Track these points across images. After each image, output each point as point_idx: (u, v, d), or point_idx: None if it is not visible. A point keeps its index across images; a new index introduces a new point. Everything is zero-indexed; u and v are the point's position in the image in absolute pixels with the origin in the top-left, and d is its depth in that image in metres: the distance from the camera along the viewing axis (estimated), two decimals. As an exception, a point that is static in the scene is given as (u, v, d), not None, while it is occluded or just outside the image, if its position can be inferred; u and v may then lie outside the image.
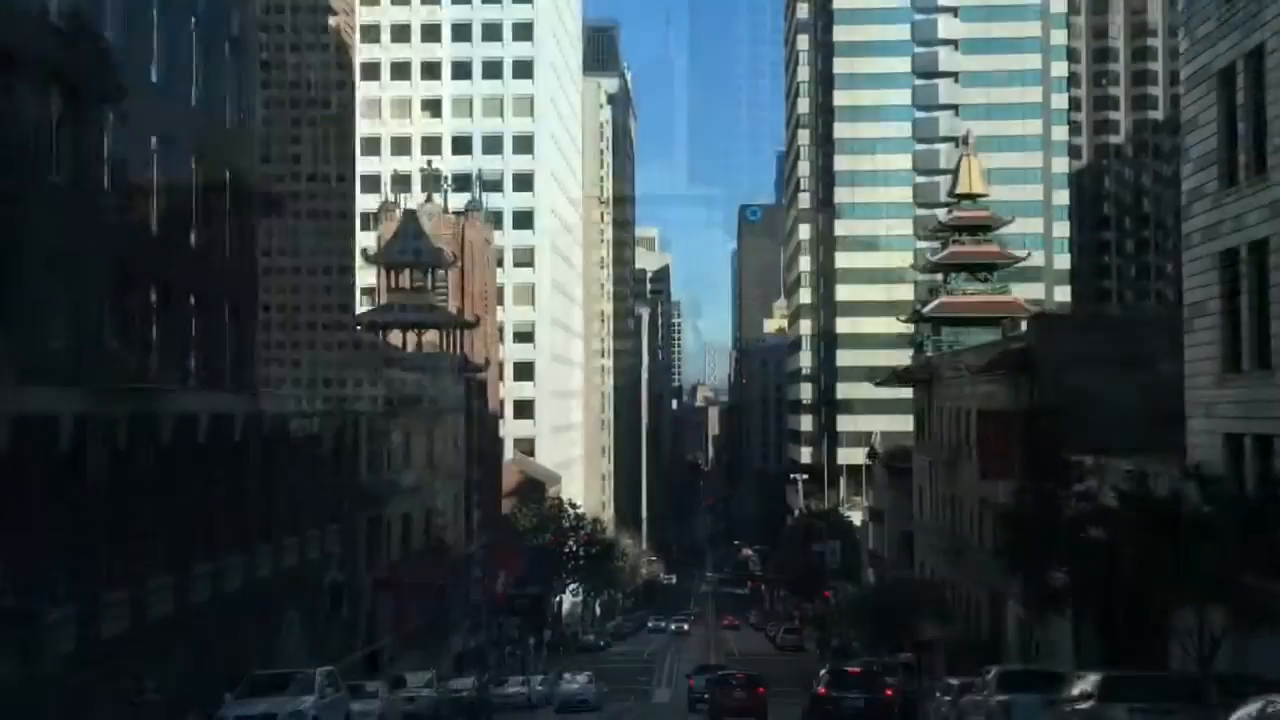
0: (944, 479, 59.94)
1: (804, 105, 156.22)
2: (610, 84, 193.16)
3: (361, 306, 68.70)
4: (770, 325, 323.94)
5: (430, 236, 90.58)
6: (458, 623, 65.36)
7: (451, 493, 64.95)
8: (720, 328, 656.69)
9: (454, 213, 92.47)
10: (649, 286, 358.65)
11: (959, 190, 68.14)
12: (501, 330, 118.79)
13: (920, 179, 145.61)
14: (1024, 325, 42.55)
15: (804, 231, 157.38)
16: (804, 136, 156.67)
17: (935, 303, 65.02)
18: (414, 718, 34.40)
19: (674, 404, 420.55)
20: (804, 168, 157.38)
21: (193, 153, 34.13)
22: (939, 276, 68.44)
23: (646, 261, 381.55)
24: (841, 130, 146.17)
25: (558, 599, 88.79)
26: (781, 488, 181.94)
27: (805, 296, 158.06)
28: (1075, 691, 22.05)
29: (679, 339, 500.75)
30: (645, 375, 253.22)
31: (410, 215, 68.05)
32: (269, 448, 40.28)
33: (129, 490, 28.25)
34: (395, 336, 67.83)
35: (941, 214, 71.13)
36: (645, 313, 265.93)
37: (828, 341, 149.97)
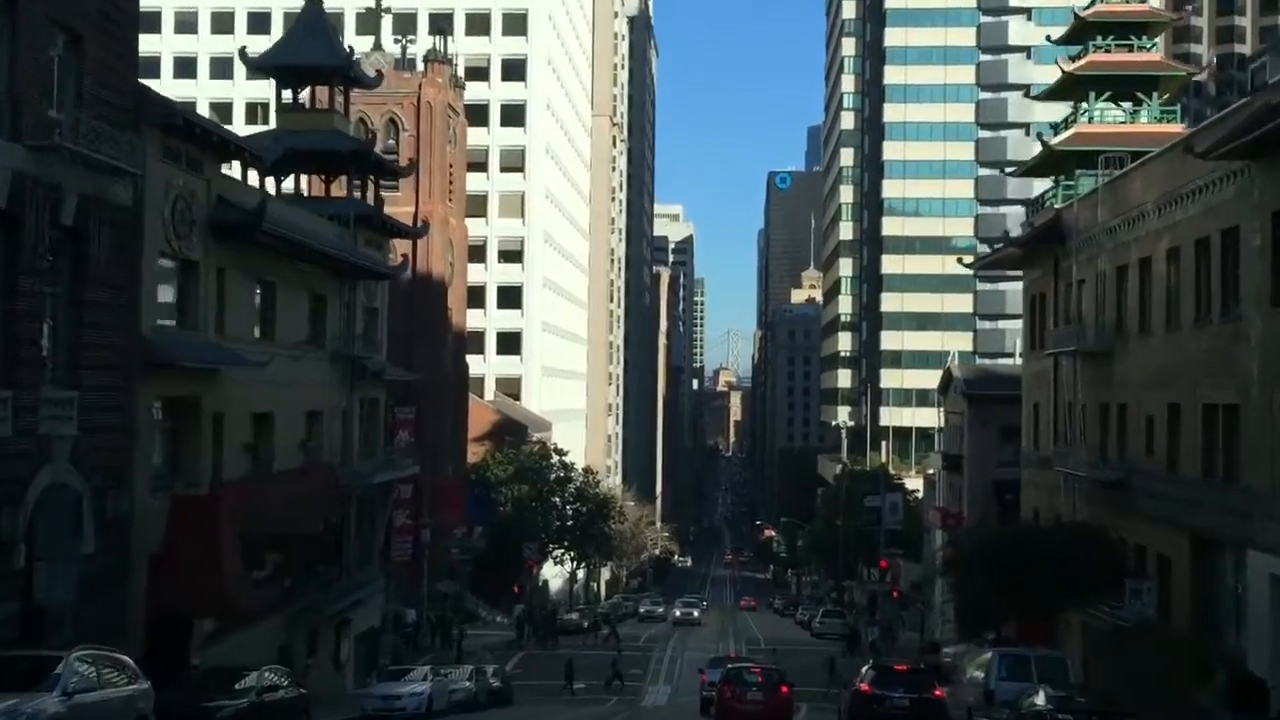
0: (1090, 380, 39.51)
1: (849, 9, 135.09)
2: (630, 6, 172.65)
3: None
4: (799, 296, 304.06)
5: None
6: (361, 585, 44.95)
7: (357, 397, 44.80)
8: (745, 311, 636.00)
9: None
10: (671, 257, 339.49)
11: (1101, -24, 47.19)
12: (485, 247, 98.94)
13: (985, 95, 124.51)
14: None
15: (846, 157, 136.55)
16: (849, 46, 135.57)
17: (1066, 134, 44.61)
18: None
19: (694, 384, 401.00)
20: (848, 82, 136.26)
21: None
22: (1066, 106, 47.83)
23: (670, 230, 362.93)
24: (893, 37, 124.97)
25: (529, 561, 68.50)
26: (811, 463, 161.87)
27: (846, 232, 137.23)
28: None
29: (702, 320, 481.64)
30: (663, 340, 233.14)
31: (313, 5, 47.60)
32: None
33: None
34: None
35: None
36: (665, 272, 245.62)
37: (872, 283, 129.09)
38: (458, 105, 74.83)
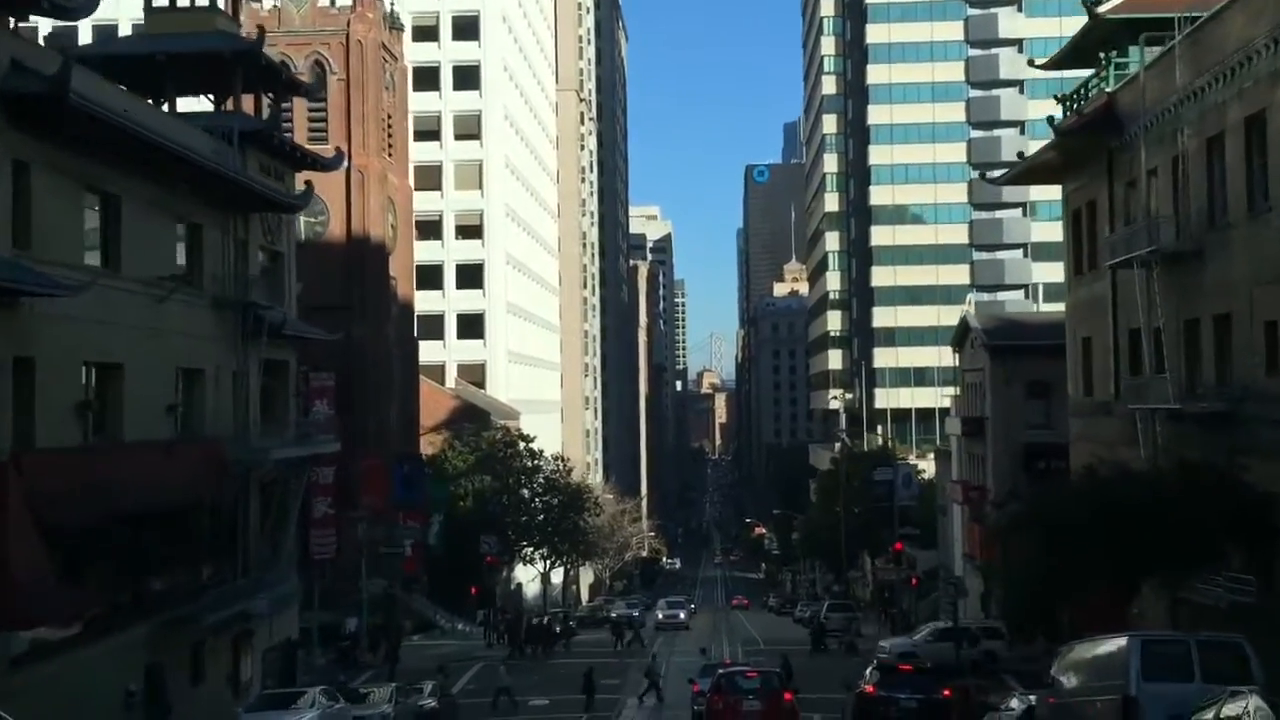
0: (1170, 290, 31.11)
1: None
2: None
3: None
4: (781, 289, 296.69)
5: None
6: (265, 588, 36.25)
7: (255, 356, 36.19)
8: (727, 317, 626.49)
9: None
10: (650, 255, 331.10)
11: None
12: (440, 222, 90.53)
13: (974, 52, 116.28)
14: None
15: (829, 124, 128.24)
16: (828, 6, 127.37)
17: (1114, 2, 36.65)
18: None
19: (678, 386, 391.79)
20: (828, 45, 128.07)
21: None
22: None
23: (647, 229, 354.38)
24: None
25: (489, 559, 59.91)
26: (800, 458, 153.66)
27: (832, 203, 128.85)
28: None
29: (684, 322, 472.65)
30: (644, 336, 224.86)
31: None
32: None
33: None
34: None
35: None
36: (643, 266, 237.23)
37: (860, 256, 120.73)
38: (395, 48, 66.37)
